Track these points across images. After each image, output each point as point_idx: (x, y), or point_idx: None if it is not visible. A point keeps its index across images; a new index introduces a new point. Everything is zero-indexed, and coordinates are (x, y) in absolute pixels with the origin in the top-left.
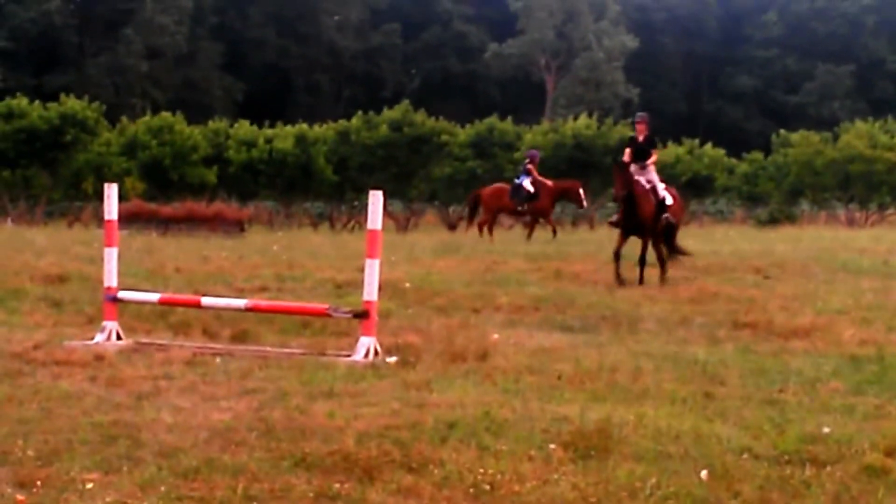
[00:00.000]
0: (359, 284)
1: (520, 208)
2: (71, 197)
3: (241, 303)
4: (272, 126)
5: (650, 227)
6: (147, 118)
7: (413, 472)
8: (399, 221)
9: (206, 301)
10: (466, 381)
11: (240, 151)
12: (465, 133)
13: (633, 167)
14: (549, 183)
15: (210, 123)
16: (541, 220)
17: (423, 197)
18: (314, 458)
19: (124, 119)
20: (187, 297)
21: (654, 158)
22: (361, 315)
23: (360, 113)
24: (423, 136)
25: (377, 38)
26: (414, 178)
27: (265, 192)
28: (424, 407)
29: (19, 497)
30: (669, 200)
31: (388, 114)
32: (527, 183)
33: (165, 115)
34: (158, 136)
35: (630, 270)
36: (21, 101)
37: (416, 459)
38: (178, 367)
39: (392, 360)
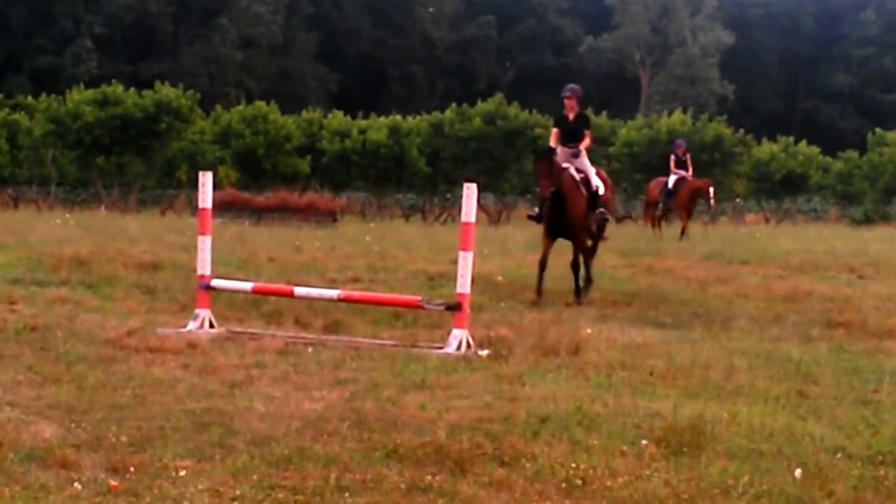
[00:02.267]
0: (451, 277)
1: (661, 203)
2: (164, 185)
3: (333, 293)
4: (366, 117)
5: (581, 227)
6: (241, 107)
7: (505, 465)
8: (491, 215)
9: (298, 291)
10: (559, 376)
11: (333, 142)
12: None
13: (560, 153)
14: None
15: (304, 113)
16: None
17: (516, 190)
18: (406, 450)
19: (218, 108)
20: (280, 286)
21: (586, 142)
22: (454, 307)
23: (453, 105)
24: (517, 129)
25: (471, 30)
26: (507, 171)
27: (358, 183)
28: (516, 400)
29: (112, 483)
30: (602, 190)
31: (482, 106)
32: (672, 178)
33: (259, 104)
34: (252, 126)
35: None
36: (116, 89)
37: (508, 453)
38: (270, 357)
39: (484, 353)
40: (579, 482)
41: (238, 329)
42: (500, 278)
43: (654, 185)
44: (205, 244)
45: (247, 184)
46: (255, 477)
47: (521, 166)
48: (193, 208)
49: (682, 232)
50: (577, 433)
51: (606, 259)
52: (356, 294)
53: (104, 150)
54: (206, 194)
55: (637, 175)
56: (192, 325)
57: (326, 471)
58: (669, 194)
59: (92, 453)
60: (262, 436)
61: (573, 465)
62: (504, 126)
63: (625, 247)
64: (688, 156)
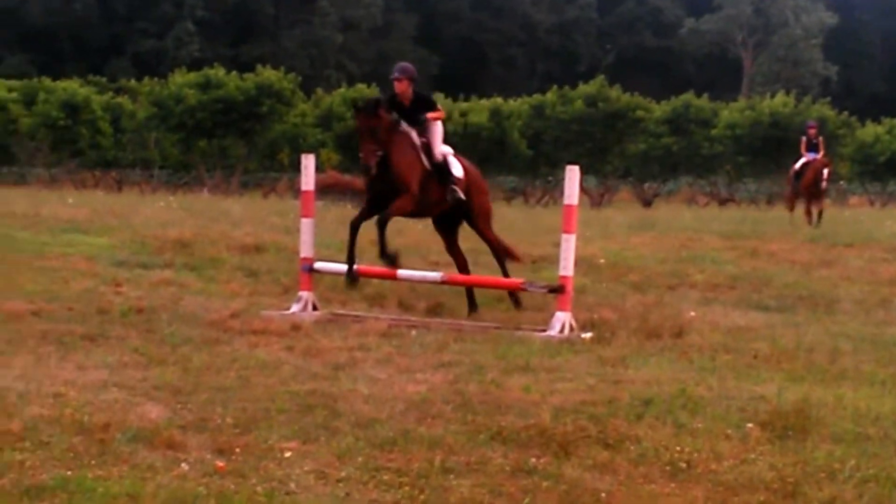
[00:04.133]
0: (553, 259)
1: (791, 187)
2: (266, 167)
3: (436, 276)
4: (466, 99)
5: (411, 187)
6: (342, 90)
7: (609, 448)
8: (593, 197)
9: (401, 273)
10: (662, 358)
11: None
12: (660, 109)
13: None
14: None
15: None
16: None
17: (618, 173)
18: (510, 432)
19: (319, 91)
20: (383, 269)
21: (438, 114)
22: (557, 290)
23: (554, 87)
24: (619, 111)
25: (572, 12)
26: (608, 153)
27: None
28: (620, 383)
29: (219, 463)
30: (458, 171)
31: (583, 88)
32: (802, 160)
33: (361, 86)
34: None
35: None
36: (218, 72)
37: (612, 435)
38: (373, 339)
39: (587, 335)
40: (683, 465)
41: (341, 311)
42: (602, 261)
43: (794, 169)
44: (308, 227)
45: (348, 166)
46: (359, 459)
47: (623, 148)
48: (295, 191)
49: (817, 215)
50: (681, 416)
51: (709, 242)
52: (459, 276)
53: (206, 133)
54: (308, 177)
55: (740, 158)
56: (295, 308)
57: (431, 453)
58: (797, 176)
59: (198, 434)
60: (366, 418)
61: (677, 448)
62: (605, 108)
63: (727, 229)
64: (819, 138)
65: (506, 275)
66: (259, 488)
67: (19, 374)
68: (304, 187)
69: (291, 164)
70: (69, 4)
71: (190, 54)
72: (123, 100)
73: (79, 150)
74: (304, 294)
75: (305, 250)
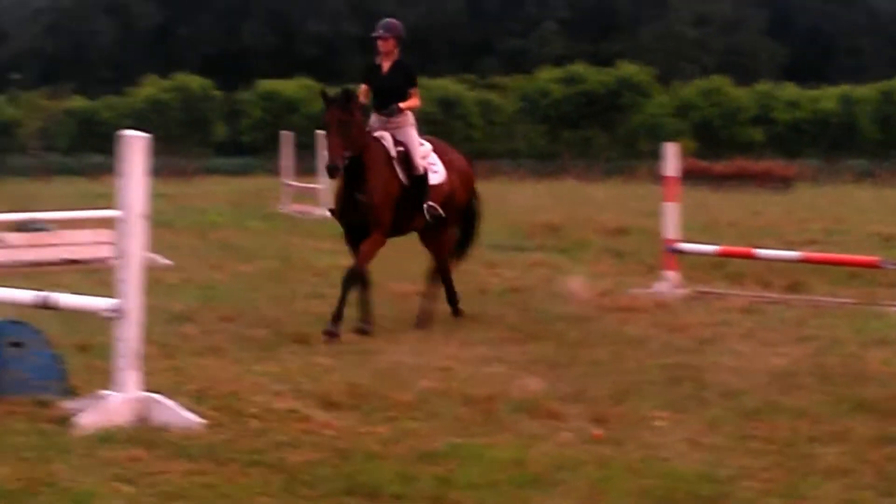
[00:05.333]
0: None
1: None
2: (626, 155)
3: (794, 255)
4: (816, 87)
5: (378, 218)
6: (698, 81)
7: None
8: None
9: (760, 253)
10: None
11: (785, 112)
12: None
13: (372, 120)
14: None
15: (756, 86)
16: None
17: None
18: (871, 403)
19: (675, 83)
20: (742, 248)
21: (412, 102)
22: None
23: None
24: None
25: None
26: None
27: (809, 150)
28: None
29: (595, 431)
30: (438, 178)
31: None
32: None
33: (715, 78)
34: (708, 98)
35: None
36: (581, 67)
37: None
38: (735, 315)
39: None
40: None
41: (704, 289)
42: None
43: None
44: (671, 210)
45: (705, 153)
46: (728, 428)
47: None
48: (655, 177)
49: None
50: None
51: None
52: (816, 255)
53: (571, 124)
54: (671, 164)
55: None
56: (659, 286)
57: (796, 422)
58: None
59: (575, 405)
60: (732, 389)
61: None
62: None
63: None
64: None
65: (438, 282)
66: (635, 455)
67: (409, 349)
68: (667, 173)
69: (650, 152)
70: (442, 7)
71: (553, 51)
72: (493, 95)
73: (452, 143)
74: (669, 273)
75: (669, 232)
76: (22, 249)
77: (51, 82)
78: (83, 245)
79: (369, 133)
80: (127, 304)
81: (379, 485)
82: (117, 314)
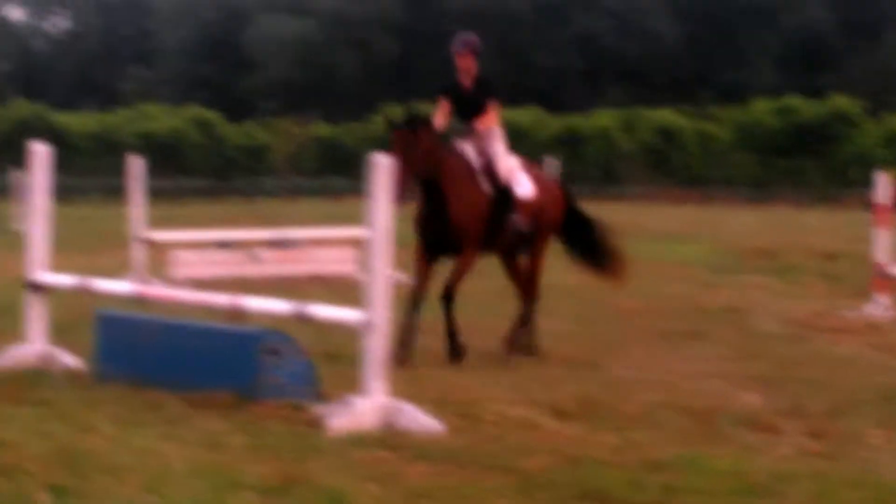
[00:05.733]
0: None
1: None
2: (836, 184)
3: None
4: None
5: (469, 239)
6: None
7: None
8: None
9: None
10: None
11: None
12: None
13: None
14: None
15: None
16: None
17: None
18: None
19: (885, 114)
20: None
21: (490, 118)
22: None
23: None
24: None
25: None
26: None
27: None
28: None
29: (813, 446)
30: (526, 190)
31: None
32: None
33: None
34: None
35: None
36: (793, 100)
37: None
38: None
39: None
40: None
41: None
42: None
43: None
44: (882, 236)
45: None
46: None
47: None
48: (864, 205)
49: None
50: None
51: None
52: None
53: (783, 153)
54: (881, 192)
55: None
56: (870, 309)
57: None
58: None
59: (792, 420)
60: None
61: None
62: None
63: None
64: None
65: (523, 314)
66: (851, 469)
67: (634, 363)
68: (878, 200)
69: (860, 182)
70: (661, 41)
71: (766, 84)
72: (710, 125)
73: (671, 170)
74: (879, 296)
75: (880, 256)
76: (273, 264)
77: (298, 110)
78: (329, 262)
79: (446, 148)
80: (375, 316)
81: (609, 490)
82: (367, 326)
